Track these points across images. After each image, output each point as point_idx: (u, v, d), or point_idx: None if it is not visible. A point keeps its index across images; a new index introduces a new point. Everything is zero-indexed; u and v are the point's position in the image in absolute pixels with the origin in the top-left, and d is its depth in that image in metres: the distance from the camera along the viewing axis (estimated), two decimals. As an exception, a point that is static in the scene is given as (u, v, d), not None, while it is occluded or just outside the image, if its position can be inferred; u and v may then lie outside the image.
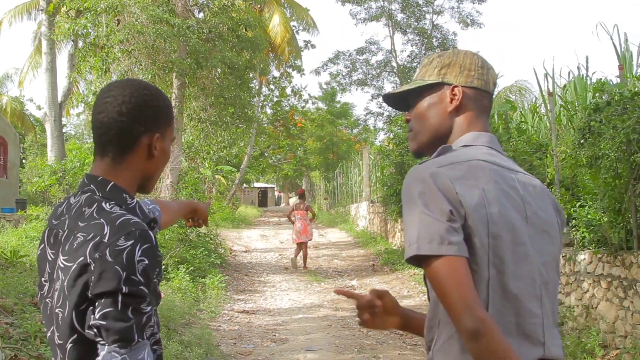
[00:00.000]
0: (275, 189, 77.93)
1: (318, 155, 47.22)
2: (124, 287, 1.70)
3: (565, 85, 13.29)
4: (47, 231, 1.98)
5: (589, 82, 12.31)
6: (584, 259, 8.30)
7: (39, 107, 26.37)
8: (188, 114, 19.48)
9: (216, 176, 34.73)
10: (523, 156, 10.46)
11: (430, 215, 1.83)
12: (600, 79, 10.60)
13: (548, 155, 9.94)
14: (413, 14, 40.05)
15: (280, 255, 20.41)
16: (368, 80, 42.34)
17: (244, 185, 50.29)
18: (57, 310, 1.84)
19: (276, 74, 38.15)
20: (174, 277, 12.39)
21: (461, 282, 1.79)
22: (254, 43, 19.09)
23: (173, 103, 16.77)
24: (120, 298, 1.70)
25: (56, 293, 1.85)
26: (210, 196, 27.53)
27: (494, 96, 2.23)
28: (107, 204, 1.88)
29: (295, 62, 37.49)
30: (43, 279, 1.94)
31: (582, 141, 8.17)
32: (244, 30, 18.66)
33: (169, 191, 16.56)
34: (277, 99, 40.21)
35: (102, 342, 1.70)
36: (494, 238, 1.89)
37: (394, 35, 41.05)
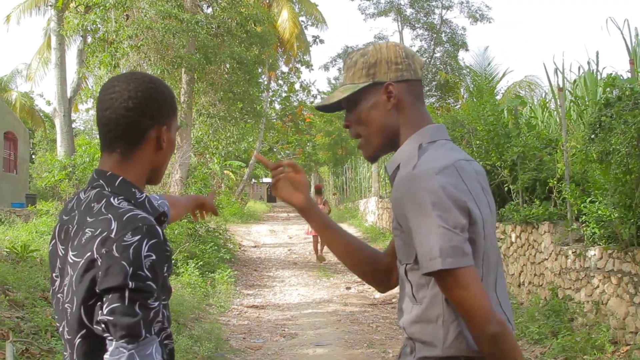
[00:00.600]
0: (284, 184, 77.85)
1: (327, 151, 47.18)
2: (130, 283, 1.70)
3: (575, 81, 13.23)
4: (57, 227, 1.99)
5: (599, 77, 12.25)
6: (594, 254, 8.27)
7: (48, 103, 26.45)
8: (197, 109, 19.50)
9: (225, 171, 34.77)
10: (533, 151, 10.43)
11: (448, 229, 1.86)
12: (611, 73, 10.54)
13: (558, 151, 9.91)
14: (422, 8, 39.87)
15: (289, 250, 20.42)
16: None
17: (253, 180, 50.41)
18: (66, 306, 1.85)
19: (285, 69, 38.24)
20: (183, 272, 12.42)
21: (481, 290, 1.87)
22: (263, 38, 19.10)
23: (182, 98, 16.84)
24: (127, 293, 1.69)
25: (65, 288, 1.85)
26: (219, 191, 27.55)
27: (420, 84, 2.23)
28: (116, 199, 1.88)
29: (304, 57, 37.50)
30: (54, 274, 1.95)
31: (592, 136, 8.13)
32: (252, 25, 18.66)
33: (178, 186, 16.58)
34: (285, 94, 40.22)
35: (110, 338, 1.70)
36: (485, 239, 1.99)
37: (403, 30, 40.89)
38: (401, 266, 2.09)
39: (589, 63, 13.03)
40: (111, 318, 1.69)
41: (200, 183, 17.50)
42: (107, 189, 1.92)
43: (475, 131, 11.53)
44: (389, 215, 22.27)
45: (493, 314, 1.86)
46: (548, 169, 10.18)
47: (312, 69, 49.27)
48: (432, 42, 39.95)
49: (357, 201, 32.09)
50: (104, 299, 1.72)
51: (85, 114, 52.73)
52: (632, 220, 7.50)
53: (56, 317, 1.97)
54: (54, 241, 1.98)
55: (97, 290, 1.74)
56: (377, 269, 2.42)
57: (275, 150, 50.12)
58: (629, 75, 9.82)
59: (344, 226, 26.05)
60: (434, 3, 39.76)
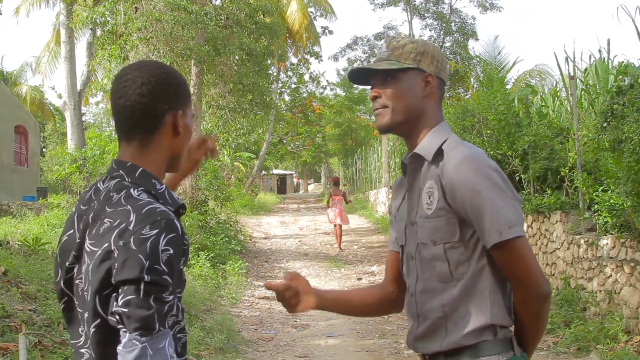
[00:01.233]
0: (294, 175, 77.93)
1: (337, 142, 47.16)
2: (146, 276, 1.69)
3: (586, 69, 13.16)
4: (76, 216, 1.96)
5: (610, 66, 12.18)
6: (607, 243, 8.23)
7: (59, 96, 26.43)
8: (207, 101, 19.50)
9: (235, 163, 34.78)
10: (544, 140, 10.37)
11: (517, 203, 2.15)
12: (623, 61, 10.48)
13: (570, 140, 9.85)
14: (431, -3, 39.78)
15: (300, 241, 20.43)
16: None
17: (263, 172, 50.40)
18: (84, 293, 1.84)
19: (294, 60, 38.18)
20: (194, 264, 12.44)
21: (535, 256, 2.21)
22: (272, 29, 19.06)
23: (191, 90, 16.75)
24: (142, 286, 1.69)
25: (83, 276, 1.85)
26: (229, 183, 27.54)
27: None
28: (136, 191, 1.87)
29: (313, 48, 37.45)
30: (68, 263, 1.92)
31: (604, 124, 8.09)
32: (261, 17, 18.63)
33: (189, 178, 16.58)
34: (295, 86, 40.18)
35: (124, 330, 1.69)
36: None
37: (412, 20, 40.78)
38: (434, 247, 2.22)
39: (600, 51, 12.94)
40: (125, 310, 1.68)
41: (210, 175, 17.51)
42: (127, 180, 1.90)
43: (486, 120, 11.48)
44: (399, 205, 22.21)
45: (544, 275, 2.15)
46: (559, 158, 10.13)
47: (322, 60, 49.19)
48: (442, 32, 39.82)
49: (367, 192, 32.06)
50: (120, 291, 1.71)
51: (95, 107, 53.01)
52: (645, 209, 7.46)
53: (63, 299, 1.97)
54: (71, 230, 1.95)
55: (113, 282, 1.73)
56: (388, 301, 2.61)
57: (285, 141, 50.13)
58: (641, 62, 9.74)
59: (355, 217, 26.07)
60: (443, -8, 39.62)
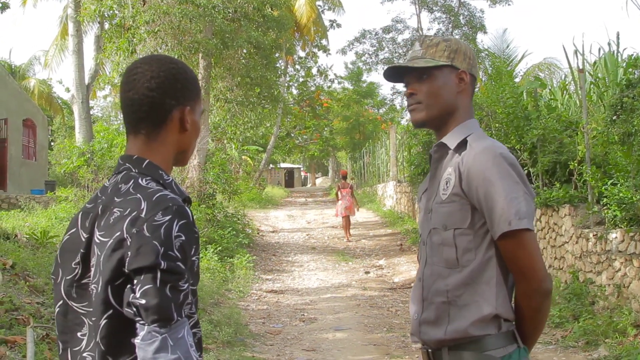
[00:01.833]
0: (302, 169, 77.95)
1: (344, 136, 47.12)
2: (162, 262, 1.68)
3: (595, 62, 13.09)
4: (80, 215, 1.95)
5: (619, 59, 12.12)
6: (616, 237, 8.20)
7: (67, 89, 26.45)
8: (214, 95, 19.50)
9: (243, 157, 34.79)
10: (553, 134, 10.33)
11: (530, 197, 2.20)
12: (632, 55, 10.43)
13: (579, 133, 9.81)
14: (439, -9, 39.68)
15: (307, 235, 20.42)
16: (395, 59, 42.00)
17: (271, 165, 50.40)
18: (92, 286, 1.82)
19: (302, 54, 38.12)
20: (202, 257, 12.44)
21: (540, 251, 2.22)
22: (280, 22, 19.02)
23: (199, 84, 16.82)
24: (159, 275, 1.68)
25: (92, 269, 1.83)
26: (237, 177, 27.55)
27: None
28: (144, 180, 1.87)
29: (321, 41, 37.38)
30: (73, 263, 1.89)
31: (614, 118, 8.05)
32: (269, 10, 18.60)
33: (197, 171, 16.60)
34: (302, 79, 40.12)
35: (142, 322, 1.68)
36: None
37: (421, 13, 40.70)
38: (445, 232, 2.30)
39: (609, 44, 12.95)
40: (143, 302, 1.67)
41: (218, 168, 17.52)
42: (134, 171, 1.91)
43: (495, 114, 11.44)
44: (407, 199, 22.21)
45: (548, 272, 2.20)
46: (568, 152, 10.09)
47: (329, 54, 49.11)
48: (450, 25, 39.73)
49: (375, 185, 32.02)
50: (135, 281, 1.70)
51: (103, 101, 53.09)
52: (654, 203, 7.42)
53: (59, 302, 1.92)
54: (74, 229, 1.94)
55: (126, 271, 1.72)
56: None
57: (292, 135, 50.12)
58: (651, 55, 9.69)
59: (363, 211, 26.07)
60: (451, -15, 39.52)
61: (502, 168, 2.19)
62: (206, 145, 17.79)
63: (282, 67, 33.50)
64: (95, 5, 16.52)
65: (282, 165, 65.01)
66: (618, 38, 12.72)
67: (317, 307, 10.51)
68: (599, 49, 13.19)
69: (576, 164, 9.43)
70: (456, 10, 39.70)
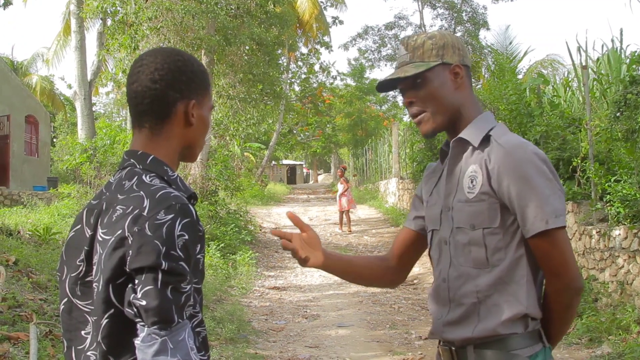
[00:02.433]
0: (304, 166, 77.91)
1: (347, 132, 47.06)
2: (163, 262, 1.65)
3: (598, 59, 13.07)
4: (85, 211, 1.93)
5: (623, 55, 12.09)
6: (619, 234, 8.19)
7: (69, 86, 26.50)
8: (217, 91, 19.48)
9: (245, 153, 34.78)
10: (556, 130, 10.31)
11: (562, 193, 2.16)
12: (635, 51, 10.40)
13: (582, 130, 9.79)
14: (443, -13, 39.62)
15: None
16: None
17: (273, 162, 50.39)
18: (94, 285, 1.80)
19: (304, 50, 38.11)
20: (204, 254, 12.43)
21: (572, 249, 2.19)
22: (282, 19, 19.02)
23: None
24: (160, 275, 1.65)
25: (94, 267, 1.80)
26: (239, 173, 27.54)
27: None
28: (148, 177, 1.84)
29: (323, 38, 37.37)
30: (78, 260, 1.88)
31: (617, 114, 8.03)
32: (272, 6, 18.58)
33: (199, 168, 16.60)
34: (305, 76, 40.10)
35: (142, 323, 1.66)
36: None
37: (423, 9, 40.65)
38: (472, 232, 2.22)
39: (612, 41, 12.87)
40: (143, 303, 1.64)
41: (220, 165, 17.51)
42: (138, 167, 1.88)
43: (498, 110, 11.43)
44: (409, 196, 22.18)
45: (579, 269, 2.14)
46: (571, 148, 10.07)
47: (332, 50, 49.06)
48: (453, 22, 39.67)
49: (377, 182, 31.99)
50: (136, 281, 1.67)
51: (106, 97, 53.08)
52: (658, 200, 7.40)
53: (64, 300, 1.91)
54: (79, 226, 1.92)
55: (127, 270, 1.70)
56: (388, 274, 2.64)
57: (295, 131, 50.10)
58: (655, 52, 9.66)
59: (365, 207, 26.05)
60: (454, -18, 39.46)
61: (534, 165, 2.12)
62: (208, 142, 17.78)
63: (285, 64, 33.46)
64: (98, 1, 16.49)
65: (285, 162, 64.95)
66: (621, 34, 12.68)
67: (320, 303, 10.51)
68: (602, 46, 13.18)
69: (579, 161, 9.41)
70: (459, 6, 39.64)
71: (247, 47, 18.72)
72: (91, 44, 27.42)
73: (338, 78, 43.47)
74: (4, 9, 13.38)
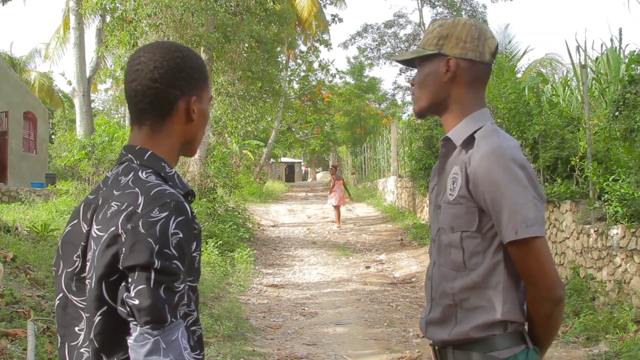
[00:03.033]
0: (303, 164, 77.90)
1: (345, 130, 47.07)
2: (156, 261, 1.64)
3: (597, 58, 13.08)
4: (82, 206, 1.92)
5: (622, 55, 12.10)
6: (617, 233, 8.19)
7: (68, 83, 26.45)
8: (216, 89, 19.47)
9: (243, 151, 34.76)
10: (555, 129, 10.32)
11: (539, 202, 2.09)
12: (634, 51, 10.41)
13: (580, 129, 9.80)
14: (442, -14, 39.62)
15: (308, 229, 20.42)
16: (396, 53, 42.00)
17: (271, 160, 50.37)
18: (87, 282, 1.78)
19: (303, 48, 38.09)
20: (203, 251, 12.43)
21: (552, 258, 2.13)
22: (282, 16, 19.02)
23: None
24: (153, 274, 1.63)
25: (88, 264, 1.79)
26: (238, 171, 27.52)
27: (492, 65, 2.39)
28: (144, 173, 1.82)
29: (323, 36, 37.36)
30: (75, 256, 1.86)
31: (616, 114, 8.03)
32: (271, 4, 18.57)
33: (197, 165, 16.60)
34: (304, 74, 40.09)
35: (135, 323, 1.65)
36: None
37: (423, 8, 40.67)
38: (452, 234, 2.21)
39: (611, 40, 12.93)
40: (136, 302, 1.63)
41: (219, 162, 17.51)
42: (135, 162, 1.86)
43: (496, 109, 11.43)
44: (408, 194, 22.21)
45: (560, 280, 2.11)
46: (570, 147, 10.08)
47: (331, 48, 49.07)
48: (452, 21, 39.62)
49: (375, 180, 32.02)
50: (129, 279, 1.66)
51: (104, 94, 53.07)
52: (656, 199, 7.41)
53: (59, 295, 1.89)
54: (75, 221, 1.90)
55: (120, 267, 1.68)
56: None
57: (293, 129, 50.09)
58: (653, 51, 9.67)
59: (363, 205, 26.03)
60: (453, -20, 39.44)
61: (509, 171, 2.07)
62: (207, 139, 17.78)
63: (284, 62, 33.46)
64: (97, -2, 16.50)
65: (283, 159, 64.96)
66: (620, 34, 12.74)
67: (318, 301, 10.51)
68: (601, 45, 13.19)
69: (578, 160, 9.42)
70: (458, 5, 39.64)
71: (246, 45, 18.71)
72: (90, 40, 27.45)
73: (337, 76, 43.50)
74: (3, 5, 13.36)
